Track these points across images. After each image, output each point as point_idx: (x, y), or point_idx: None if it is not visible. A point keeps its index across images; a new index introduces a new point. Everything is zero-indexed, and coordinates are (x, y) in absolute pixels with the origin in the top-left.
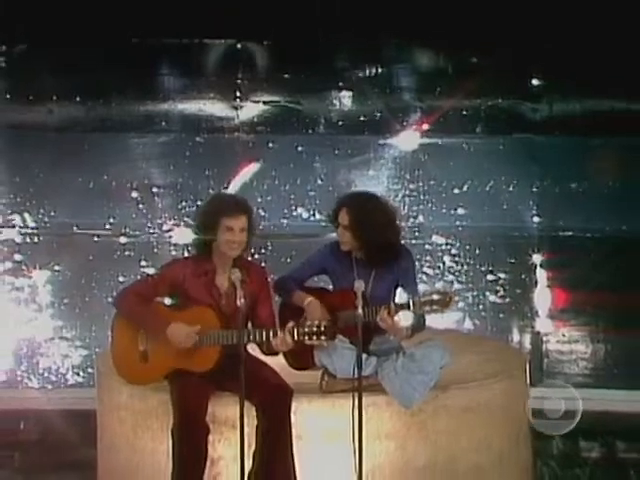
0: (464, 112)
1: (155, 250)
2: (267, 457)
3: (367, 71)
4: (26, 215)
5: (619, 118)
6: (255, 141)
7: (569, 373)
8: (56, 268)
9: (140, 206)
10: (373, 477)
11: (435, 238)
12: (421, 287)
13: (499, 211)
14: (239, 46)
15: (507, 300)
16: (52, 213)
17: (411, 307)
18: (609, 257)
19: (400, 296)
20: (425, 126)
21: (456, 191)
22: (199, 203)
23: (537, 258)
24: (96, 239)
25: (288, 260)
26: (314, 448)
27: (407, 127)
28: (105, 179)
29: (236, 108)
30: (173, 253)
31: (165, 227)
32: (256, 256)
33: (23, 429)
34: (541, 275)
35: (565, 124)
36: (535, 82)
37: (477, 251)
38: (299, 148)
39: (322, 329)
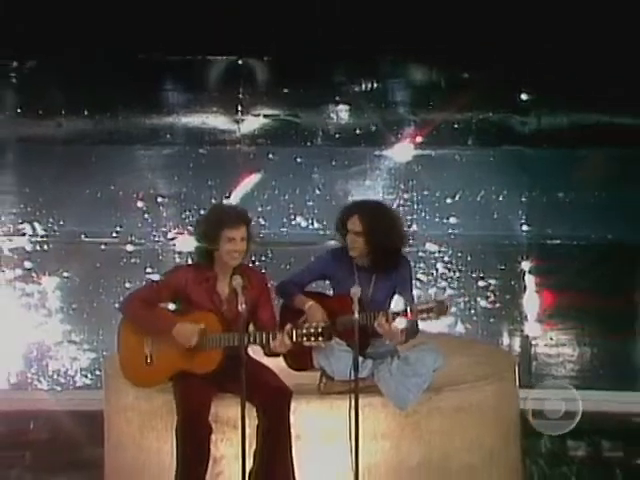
0: (456, 125)
1: (160, 257)
2: (267, 456)
3: (363, 86)
4: (36, 224)
5: (604, 131)
6: (256, 153)
7: (557, 375)
8: (65, 275)
9: (145, 215)
10: (369, 475)
11: (428, 246)
12: (415, 293)
13: (490, 220)
14: (240, 62)
15: (497, 305)
16: (61, 222)
17: (408, 314)
18: (594, 264)
19: (397, 302)
20: (419, 138)
21: (448, 201)
22: (202, 212)
23: (526, 265)
24: (103, 247)
25: (287, 267)
26: (312, 447)
27: (401, 139)
28: (112, 189)
29: (237, 121)
30: (177, 260)
31: (169, 235)
32: (257, 263)
33: (33, 429)
34: (530, 281)
35: (552, 137)
36: (524, 97)
37: (469, 258)
38: (298, 159)
39: (319, 331)
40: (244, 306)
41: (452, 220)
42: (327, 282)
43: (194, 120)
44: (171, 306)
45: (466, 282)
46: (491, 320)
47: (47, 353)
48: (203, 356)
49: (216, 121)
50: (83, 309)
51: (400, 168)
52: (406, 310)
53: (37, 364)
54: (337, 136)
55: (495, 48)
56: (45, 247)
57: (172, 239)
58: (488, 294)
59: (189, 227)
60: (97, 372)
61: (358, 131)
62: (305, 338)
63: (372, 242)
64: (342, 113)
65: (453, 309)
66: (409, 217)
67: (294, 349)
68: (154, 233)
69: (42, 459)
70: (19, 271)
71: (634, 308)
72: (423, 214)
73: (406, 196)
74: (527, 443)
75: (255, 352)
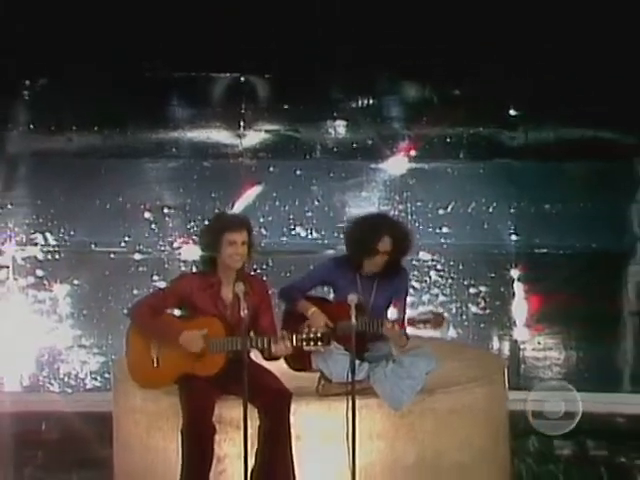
0: (448, 139)
1: (166, 266)
2: (268, 455)
3: (360, 102)
4: (47, 234)
5: (588, 145)
6: (257, 166)
7: (544, 377)
8: (75, 282)
9: (152, 225)
10: (365, 474)
11: (422, 254)
12: (409, 300)
13: (480, 230)
14: (243, 79)
15: (487, 311)
16: (71, 232)
17: (406, 323)
18: (580, 271)
19: (399, 310)
20: (413, 152)
21: (441, 212)
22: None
23: (515, 273)
24: (112, 256)
25: (287, 274)
26: (311, 447)
27: (396, 153)
28: (120, 201)
29: (240, 136)
30: (182, 268)
31: (175, 245)
32: (258, 271)
33: (45, 429)
34: (518, 288)
35: (540, 151)
36: (512, 113)
37: (460, 266)
38: (297, 172)
39: (318, 336)
40: (246, 311)
41: (444, 230)
42: (327, 287)
43: (199, 135)
44: (177, 312)
45: (458, 289)
46: (481, 325)
47: (58, 357)
48: (207, 360)
49: (219, 136)
50: (93, 315)
51: (395, 180)
52: (403, 319)
53: (49, 367)
54: (335, 150)
55: (485, 66)
56: (56, 256)
57: (178, 248)
58: (479, 300)
59: (194, 236)
60: (106, 375)
61: (355, 145)
62: (305, 343)
63: (395, 259)
64: (340, 128)
65: (445, 315)
66: None
67: (294, 352)
68: (160, 242)
69: (54, 458)
70: (32, 279)
71: (617, 313)
72: (417, 224)
73: (401, 207)
74: (516, 442)
75: (257, 356)
